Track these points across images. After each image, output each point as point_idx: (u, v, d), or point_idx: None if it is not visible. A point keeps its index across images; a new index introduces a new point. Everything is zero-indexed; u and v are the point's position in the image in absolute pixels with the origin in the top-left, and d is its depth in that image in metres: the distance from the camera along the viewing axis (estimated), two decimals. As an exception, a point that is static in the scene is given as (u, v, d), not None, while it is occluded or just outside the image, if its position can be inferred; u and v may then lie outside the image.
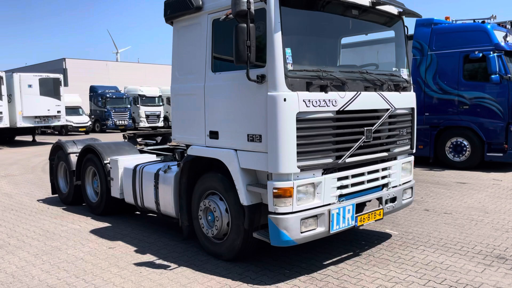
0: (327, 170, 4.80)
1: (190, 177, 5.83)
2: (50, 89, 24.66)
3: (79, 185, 8.39)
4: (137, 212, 7.91)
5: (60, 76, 25.64)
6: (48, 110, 24.55)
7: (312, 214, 4.62)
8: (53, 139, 27.12)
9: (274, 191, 4.46)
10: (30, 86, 24.15)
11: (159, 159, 7.18)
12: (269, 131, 4.46)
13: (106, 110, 33.41)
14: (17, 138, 27.19)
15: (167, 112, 37.43)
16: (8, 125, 23.13)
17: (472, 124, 11.71)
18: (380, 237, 6.22)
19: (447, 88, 12.09)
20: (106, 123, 33.30)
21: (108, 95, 34.12)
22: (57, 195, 9.31)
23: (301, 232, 4.54)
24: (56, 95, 24.96)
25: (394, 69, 5.89)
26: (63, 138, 10.53)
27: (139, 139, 9.30)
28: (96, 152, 7.71)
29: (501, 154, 11.33)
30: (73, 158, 8.52)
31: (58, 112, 24.84)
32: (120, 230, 6.87)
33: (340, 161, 4.84)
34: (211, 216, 5.43)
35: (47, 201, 9.31)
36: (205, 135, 5.38)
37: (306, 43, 5.16)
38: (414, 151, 6.01)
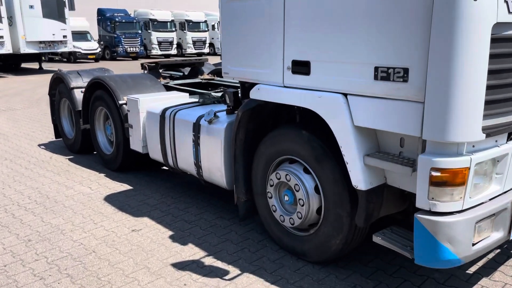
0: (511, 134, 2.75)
1: (250, 132, 3.85)
2: (54, 10, 22.03)
3: (88, 130, 6.47)
4: (165, 167, 6.03)
5: (63, -4, 22.91)
6: (53, 34, 22.12)
7: (490, 212, 2.64)
8: (61, 67, 24.99)
9: (434, 174, 2.45)
10: (31, 7, 21.53)
11: (196, 100, 5.14)
12: (432, 60, 2.35)
13: (116, 35, 30.78)
14: (23, 65, 25.16)
15: (180, 38, 34.62)
16: (11, 51, 20.95)
17: None
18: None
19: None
20: (117, 50, 30.83)
21: (117, 19, 31.29)
22: (61, 139, 7.46)
23: (473, 244, 2.59)
24: (61, 17, 22.39)
25: None
26: (69, 67, 8.39)
27: (161, 70, 7.21)
28: (107, 88, 5.68)
29: None
30: (78, 95, 6.52)
31: (64, 37, 22.43)
32: (145, 197, 5.02)
33: (534, 116, 2.76)
34: (289, 196, 3.49)
35: (50, 147, 7.46)
36: (283, 68, 3.28)
37: None
38: None
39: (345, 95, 2.88)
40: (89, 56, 28.67)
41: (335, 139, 3.00)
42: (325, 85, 2.99)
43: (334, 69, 2.92)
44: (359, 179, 2.88)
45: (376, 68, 2.66)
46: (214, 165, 4.20)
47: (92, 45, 29.18)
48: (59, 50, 23.61)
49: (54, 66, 25.36)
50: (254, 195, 3.94)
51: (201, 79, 6.79)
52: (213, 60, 8.34)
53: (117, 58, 31.33)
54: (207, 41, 35.62)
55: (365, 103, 2.77)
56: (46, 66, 25.00)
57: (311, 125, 3.39)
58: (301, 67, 3.14)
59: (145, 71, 6.70)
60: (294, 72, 3.20)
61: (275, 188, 3.62)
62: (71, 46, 23.68)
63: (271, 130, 3.74)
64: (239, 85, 4.10)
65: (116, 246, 3.87)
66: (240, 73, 3.75)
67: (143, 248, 3.83)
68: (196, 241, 3.93)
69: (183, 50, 34.71)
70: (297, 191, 3.38)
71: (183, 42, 34.64)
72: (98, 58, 29.31)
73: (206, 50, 35.45)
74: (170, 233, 4.11)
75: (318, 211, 3.36)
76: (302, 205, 3.36)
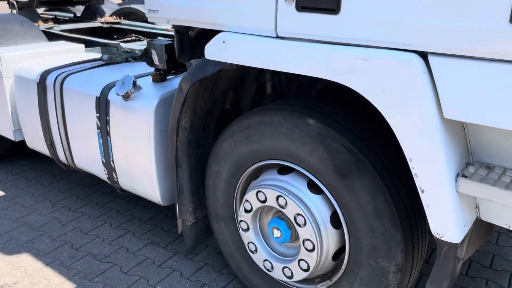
0: None
1: (200, 116, 2.29)
2: None
3: None
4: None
5: None
6: None
7: None
8: None
9: None
10: None
11: (98, 56, 3.31)
12: None
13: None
14: None
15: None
16: None
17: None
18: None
19: None
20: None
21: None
22: None
23: None
24: None
25: None
26: None
27: (41, 10, 5.09)
28: None
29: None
30: None
31: None
32: (24, 212, 3.21)
33: None
34: (281, 230, 2.02)
35: None
36: (276, 1, 1.69)
37: None
38: None
39: (424, 56, 1.41)
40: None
41: (384, 137, 1.59)
42: (375, 35, 1.48)
43: (397, 2, 1.41)
44: (447, 222, 1.49)
45: (520, -1, 1.20)
46: (138, 168, 2.55)
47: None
48: None
49: None
50: (211, 218, 2.42)
51: (102, 22, 4.84)
52: None
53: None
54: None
55: (474, 74, 1.32)
56: None
57: (323, 105, 1.91)
58: (319, -1, 1.57)
59: (14, 11, 4.56)
60: (302, 8, 1.62)
61: (255, 216, 2.12)
62: None
63: (236, 112, 2.21)
64: (171, 32, 2.46)
65: (-33, 331, 2.15)
66: (181, 11, 2.06)
67: (19, 330, 2.16)
68: (117, 301, 2.35)
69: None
70: (301, 226, 1.91)
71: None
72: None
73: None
74: (71, 286, 2.45)
75: (337, 257, 1.96)
76: (311, 250, 1.91)
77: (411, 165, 1.49)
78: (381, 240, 1.75)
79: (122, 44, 3.72)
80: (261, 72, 2.37)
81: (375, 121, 2.11)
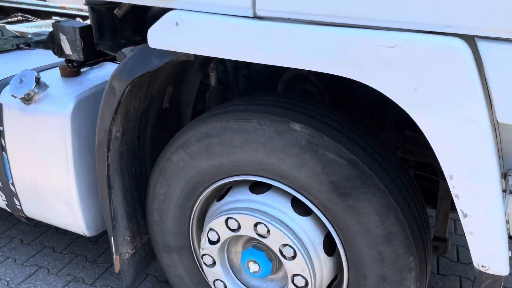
0: None
1: (134, 118, 1.76)
2: None
3: None
4: None
5: None
6: None
7: None
8: None
9: None
10: None
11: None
12: None
13: None
14: None
15: None
16: None
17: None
18: None
19: None
20: None
21: None
22: None
23: None
24: None
25: None
26: None
27: None
28: None
29: None
30: None
31: None
32: None
33: None
34: (260, 263, 1.59)
35: None
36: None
37: None
38: None
39: (470, 41, 1.06)
40: None
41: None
42: (405, 13, 1.09)
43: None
44: (496, 252, 1.19)
45: None
46: (52, 192, 1.93)
47: None
48: None
49: None
50: (158, 249, 1.91)
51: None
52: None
53: None
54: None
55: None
56: None
57: (307, 103, 1.51)
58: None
59: None
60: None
61: (222, 247, 1.66)
62: None
63: (176, 111, 1.75)
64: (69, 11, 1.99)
65: None
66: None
67: None
68: None
69: None
70: (288, 259, 1.51)
71: None
72: None
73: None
74: None
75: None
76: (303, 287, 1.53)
77: (451, 184, 1.16)
78: (392, 270, 1.43)
79: (8, 26, 2.92)
80: (207, 60, 1.89)
81: (360, 118, 1.78)
